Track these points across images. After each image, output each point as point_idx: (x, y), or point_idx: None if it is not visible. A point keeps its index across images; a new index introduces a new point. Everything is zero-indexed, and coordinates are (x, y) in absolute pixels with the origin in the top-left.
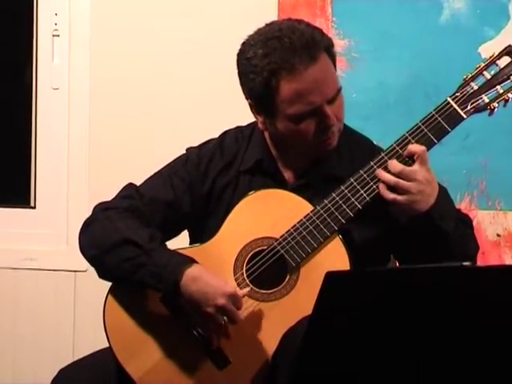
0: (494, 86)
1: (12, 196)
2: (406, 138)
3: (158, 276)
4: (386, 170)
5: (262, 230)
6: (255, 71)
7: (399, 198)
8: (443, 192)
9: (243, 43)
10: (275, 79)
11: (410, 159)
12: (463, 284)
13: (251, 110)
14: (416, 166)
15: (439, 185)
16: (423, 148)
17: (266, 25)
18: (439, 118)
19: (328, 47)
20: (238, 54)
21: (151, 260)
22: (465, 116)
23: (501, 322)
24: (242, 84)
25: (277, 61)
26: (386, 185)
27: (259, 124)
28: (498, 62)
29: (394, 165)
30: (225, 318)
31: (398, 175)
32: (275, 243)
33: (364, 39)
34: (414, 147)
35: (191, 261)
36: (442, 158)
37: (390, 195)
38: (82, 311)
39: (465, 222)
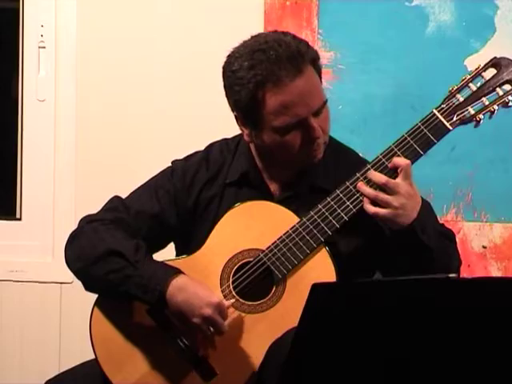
0: (480, 98)
1: None
2: (392, 149)
3: (144, 287)
4: (370, 182)
5: (249, 241)
6: (241, 83)
7: (381, 211)
8: (426, 206)
9: (229, 55)
10: (261, 91)
11: (395, 172)
12: (448, 296)
13: (237, 122)
14: (399, 180)
15: (422, 199)
16: (407, 162)
17: (252, 37)
18: (425, 130)
19: (314, 59)
20: (224, 67)
21: (137, 271)
22: (451, 128)
23: (485, 333)
24: (227, 96)
25: (262, 73)
26: (367, 198)
27: (245, 136)
28: (483, 73)
29: (379, 176)
30: (211, 328)
31: (381, 187)
32: (261, 255)
33: (350, 51)
34: (399, 160)
35: (177, 271)
36: (428, 169)
37: (372, 209)
38: (68, 323)
39: (448, 236)
